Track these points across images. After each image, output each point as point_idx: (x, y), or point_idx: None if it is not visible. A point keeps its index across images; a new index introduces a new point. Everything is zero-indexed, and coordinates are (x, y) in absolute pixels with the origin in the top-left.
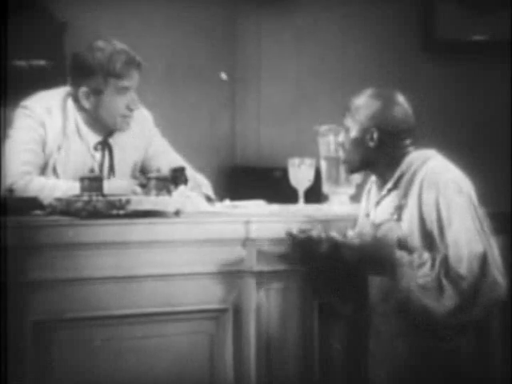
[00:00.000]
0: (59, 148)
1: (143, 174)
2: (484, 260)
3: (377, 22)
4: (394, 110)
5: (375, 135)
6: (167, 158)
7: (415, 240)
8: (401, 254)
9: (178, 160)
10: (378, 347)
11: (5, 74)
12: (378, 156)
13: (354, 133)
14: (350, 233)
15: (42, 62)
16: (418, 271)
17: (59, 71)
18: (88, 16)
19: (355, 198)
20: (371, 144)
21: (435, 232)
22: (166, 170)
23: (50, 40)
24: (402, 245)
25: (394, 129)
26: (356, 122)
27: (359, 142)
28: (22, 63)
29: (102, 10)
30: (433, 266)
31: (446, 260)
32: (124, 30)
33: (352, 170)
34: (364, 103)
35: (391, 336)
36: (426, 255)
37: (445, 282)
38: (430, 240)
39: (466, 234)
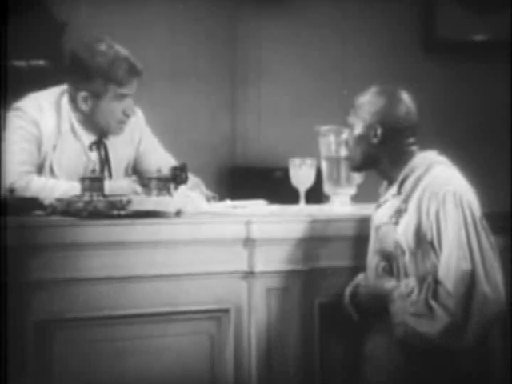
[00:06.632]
0: (54, 147)
1: (138, 174)
2: (471, 279)
3: (377, 22)
4: (398, 107)
5: (379, 131)
6: (157, 156)
7: (408, 245)
8: (390, 288)
9: (167, 157)
10: (374, 352)
11: (5, 74)
12: (381, 153)
13: (357, 129)
14: (360, 276)
15: (41, 62)
16: (407, 300)
17: (59, 71)
18: (88, 16)
19: (356, 198)
20: (374, 140)
21: (435, 244)
22: (155, 168)
23: (49, 40)
24: (394, 252)
25: (398, 125)
26: (360, 119)
27: (363, 139)
28: (21, 63)
29: (102, 11)
30: (420, 291)
31: (431, 283)
32: (125, 30)
33: (355, 167)
34: (368, 100)
35: (387, 340)
36: (412, 282)
37: (434, 304)
38: (422, 248)
39: (458, 250)
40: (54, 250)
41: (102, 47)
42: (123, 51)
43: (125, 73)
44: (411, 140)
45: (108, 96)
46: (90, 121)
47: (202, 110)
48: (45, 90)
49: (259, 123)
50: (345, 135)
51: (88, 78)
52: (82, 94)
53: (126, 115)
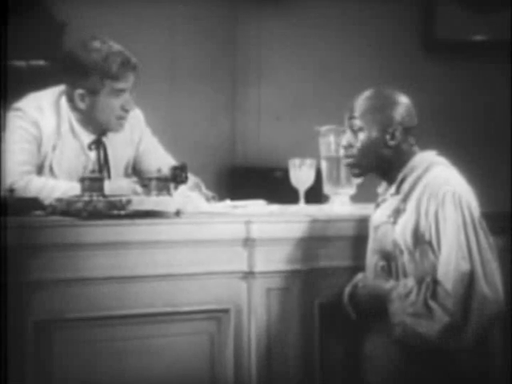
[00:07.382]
0: (54, 147)
1: (138, 174)
2: (470, 279)
3: (377, 22)
4: (406, 107)
5: (397, 133)
6: (156, 156)
7: (406, 245)
8: (389, 288)
9: (167, 158)
10: (373, 352)
11: (5, 74)
12: (393, 154)
13: (373, 133)
14: (359, 275)
15: (41, 62)
16: (406, 301)
17: (55, 71)
18: (88, 16)
19: (356, 198)
20: (392, 142)
21: (434, 244)
22: (155, 168)
23: (49, 40)
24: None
25: (406, 125)
26: (374, 122)
27: (379, 142)
28: (21, 63)
29: (102, 11)
30: (419, 291)
31: (430, 283)
32: (124, 30)
33: (363, 172)
34: (380, 103)
35: (386, 340)
36: (411, 282)
37: (433, 304)
38: (421, 248)
39: (457, 250)
40: (54, 250)
41: (96, 44)
42: (117, 46)
43: (119, 67)
44: (412, 140)
45: (104, 92)
46: (89, 118)
47: (202, 110)
48: (44, 90)
49: (259, 123)
50: (348, 140)
51: (84, 74)
52: (79, 91)
53: (125, 110)
